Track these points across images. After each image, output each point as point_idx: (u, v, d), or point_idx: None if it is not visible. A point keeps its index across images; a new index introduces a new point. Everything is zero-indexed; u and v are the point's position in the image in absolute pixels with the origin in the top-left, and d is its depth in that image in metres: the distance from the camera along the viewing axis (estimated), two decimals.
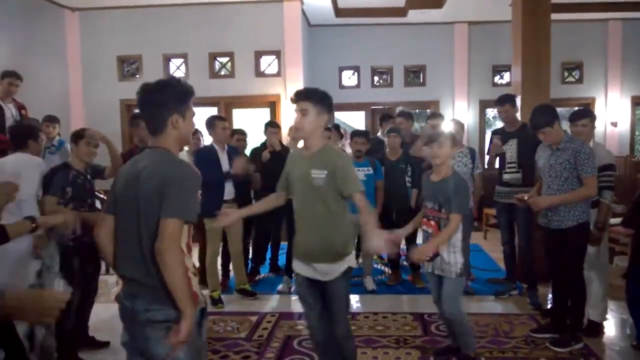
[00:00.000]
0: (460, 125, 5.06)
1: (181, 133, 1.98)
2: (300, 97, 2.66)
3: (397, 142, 4.96)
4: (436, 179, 3.18)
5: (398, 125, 5.39)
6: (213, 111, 7.97)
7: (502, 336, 3.84)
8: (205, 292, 4.65)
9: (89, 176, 3.57)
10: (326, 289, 2.72)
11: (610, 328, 4.01)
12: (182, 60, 7.82)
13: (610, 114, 8.88)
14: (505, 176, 4.61)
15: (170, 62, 7.85)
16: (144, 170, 1.86)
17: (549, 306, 4.28)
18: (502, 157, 4.65)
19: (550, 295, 4.25)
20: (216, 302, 4.61)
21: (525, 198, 3.70)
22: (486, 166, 5.45)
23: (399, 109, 8.95)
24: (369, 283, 5.01)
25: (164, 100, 1.91)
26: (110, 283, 5.21)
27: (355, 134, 5.09)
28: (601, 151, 3.78)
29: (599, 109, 8.85)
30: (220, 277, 4.96)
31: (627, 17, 8.57)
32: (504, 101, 4.60)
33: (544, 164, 3.63)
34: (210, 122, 4.74)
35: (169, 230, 1.75)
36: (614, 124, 8.87)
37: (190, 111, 2.01)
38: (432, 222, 3.16)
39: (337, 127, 5.64)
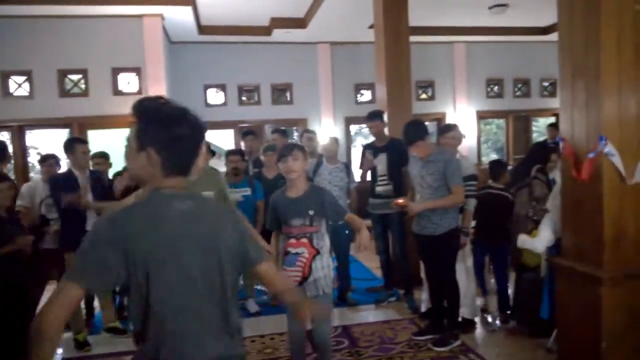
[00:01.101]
0: (336, 141, 5.16)
1: None
2: None
3: (274, 160, 4.90)
4: (295, 194, 2.92)
5: (273, 142, 5.37)
6: (65, 133, 7.23)
7: (387, 343, 3.93)
8: (68, 335, 4.14)
9: None
10: None
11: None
12: (24, 77, 6.96)
13: (460, 128, 9.76)
14: (378, 188, 4.78)
15: (10, 80, 6.94)
16: None
17: (423, 309, 4.49)
18: (374, 170, 4.82)
19: (423, 297, 4.48)
20: (82, 345, 4.09)
21: (401, 202, 3.86)
22: (358, 179, 5.61)
23: (267, 126, 8.97)
24: (252, 306, 4.84)
25: None
26: None
27: (230, 152, 4.99)
28: (465, 163, 4.18)
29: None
30: (84, 317, 4.45)
31: (469, 40, 9.58)
32: (374, 117, 4.79)
33: (415, 175, 3.82)
34: (69, 146, 4.24)
35: None
36: (464, 137, 9.77)
37: None
38: (303, 240, 2.89)
39: (206, 144, 5.42)
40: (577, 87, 2.40)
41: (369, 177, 4.90)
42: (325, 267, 2.92)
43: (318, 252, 2.89)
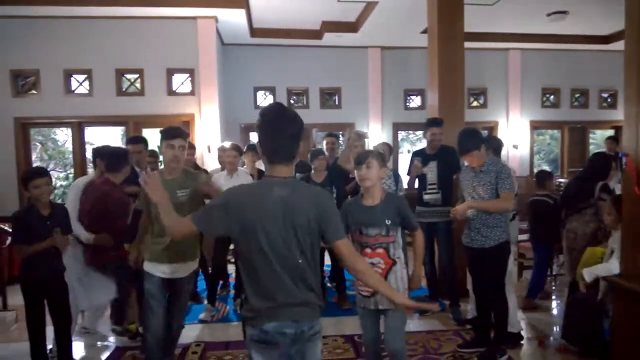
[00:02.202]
0: (388, 147, 5.12)
1: None
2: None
3: (323, 165, 4.93)
4: (371, 203, 2.85)
5: (331, 145, 5.50)
6: (120, 131, 7.50)
7: (431, 353, 3.87)
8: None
9: None
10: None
11: (525, 337, 4.18)
12: (85, 76, 7.27)
13: (512, 137, 9.54)
14: (426, 196, 4.71)
15: (72, 78, 7.26)
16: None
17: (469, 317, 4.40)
18: (423, 178, 4.74)
19: (469, 308, 4.39)
20: (135, 335, 4.25)
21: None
22: (405, 186, 5.54)
23: (314, 130, 9.02)
24: None
25: None
26: (9, 320, 4.78)
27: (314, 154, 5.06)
28: None
29: (501, 132, 9.49)
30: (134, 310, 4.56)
31: (524, 47, 9.33)
32: (437, 124, 4.69)
33: (467, 185, 3.74)
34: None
35: None
36: (515, 147, 9.53)
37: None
38: (379, 250, 2.80)
39: (253, 147, 5.51)
40: None
41: (416, 185, 4.83)
42: (399, 280, 2.80)
43: (394, 263, 2.79)
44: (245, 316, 2.00)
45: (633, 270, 2.43)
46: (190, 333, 4.43)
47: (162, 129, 3.27)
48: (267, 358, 1.95)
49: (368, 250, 2.81)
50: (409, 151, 14.81)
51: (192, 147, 5.32)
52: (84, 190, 3.97)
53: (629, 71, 2.43)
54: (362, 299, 2.86)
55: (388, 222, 2.78)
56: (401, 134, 13.52)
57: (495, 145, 4.40)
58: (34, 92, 7.06)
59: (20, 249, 3.28)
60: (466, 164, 3.75)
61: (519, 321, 4.27)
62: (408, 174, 4.93)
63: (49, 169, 11.51)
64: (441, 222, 4.55)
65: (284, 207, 1.89)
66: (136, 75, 7.38)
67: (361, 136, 4.74)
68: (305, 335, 1.97)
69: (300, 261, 1.92)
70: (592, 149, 10.92)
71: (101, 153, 4.09)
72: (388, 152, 5.07)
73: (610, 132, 9.12)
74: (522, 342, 4.07)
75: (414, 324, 4.57)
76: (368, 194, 2.86)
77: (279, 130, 1.91)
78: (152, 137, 7.45)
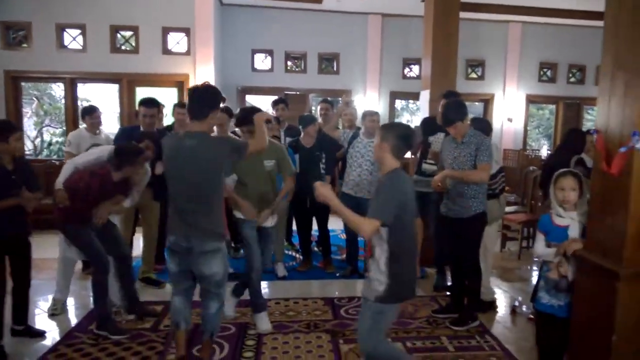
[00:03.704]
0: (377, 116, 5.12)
1: None
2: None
3: (314, 130, 4.94)
4: None
5: (325, 111, 5.56)
6: (114, 88, 7.49)
7: (406, 317, 3.98)
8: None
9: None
10: None
11: (501, 305, 4.34)
12: (78, 31, 7.21)
13: (507, 110, 9.54)
14: (425, 166, 4.71)
15: (65, 33, 7.21)
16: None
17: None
18: (425, 147, 4.73)
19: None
20: (157, 282, 4.61)
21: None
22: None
23: (311, 95, 9.00)
24: (280, 269, 4.99)
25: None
26: None
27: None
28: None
29: (497, 105, 9.48)
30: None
31: (525, 20, 9.21)
32: (453, 96, 4.59)
33: (447, 155, 3.80)
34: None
35: None
36: (510, 120, 9.54)
37: None
38: None
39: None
40: (617, 78, 2.30)
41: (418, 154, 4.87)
42: (377, 274, 2.48)
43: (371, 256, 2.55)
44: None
45: (595, 243, 2.51)
46: None
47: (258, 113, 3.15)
48: (173, 261, 2.85)
49: None
50: (408, 121, 14.77)
51: (184, 107, 5.29)
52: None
53: (606, 47, 2.45)
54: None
55: None
56: (401, 103, 13.52)
57: (484, 126, 4.36)
58: (25, 45, 7.02)
59: None
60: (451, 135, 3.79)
61: (493, 289, 4.43)
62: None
63: (44, 125, 11.41)
64: (433, 193, 4.58)
65: (191, 152, 2.65)
66: (131, 33, 7.33)
67: (349, 104, 4.76)
68: (195, 250, 2.73)
69: (198, 194, 2.70)
70: (589, 125, 10.94)
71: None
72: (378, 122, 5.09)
73: None
74: (496, 309, 4.21)
75: None
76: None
77: (190, 96, 2.76)
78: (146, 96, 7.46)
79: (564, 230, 2.73)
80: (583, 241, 2.60)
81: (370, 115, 4.91)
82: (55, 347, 3.39)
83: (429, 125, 4.80)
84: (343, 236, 5.73)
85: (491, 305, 4.21)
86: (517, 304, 4.35)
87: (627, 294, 2.30)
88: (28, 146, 10.43)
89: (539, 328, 2.96)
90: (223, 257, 2.84)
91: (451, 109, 3.68)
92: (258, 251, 3.68)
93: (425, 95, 5.43)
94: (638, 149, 2.20)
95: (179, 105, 5.14)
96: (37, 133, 11.31)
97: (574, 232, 2.70)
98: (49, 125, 11.57)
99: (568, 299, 2.67)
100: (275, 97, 5.99)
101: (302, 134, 5.00)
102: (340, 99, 9.15)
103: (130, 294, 3.86)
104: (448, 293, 4.43)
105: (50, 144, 11.15)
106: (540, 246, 2.83)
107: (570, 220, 2.73)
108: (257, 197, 3.66)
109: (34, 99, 11.46)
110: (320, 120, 5.44)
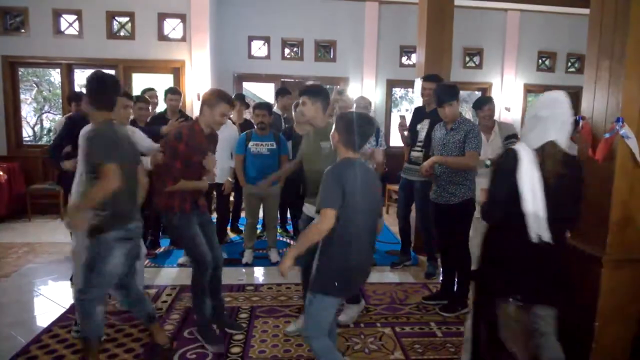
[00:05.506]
0: (367, 102, 5.12)
1: None
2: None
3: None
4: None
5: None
6: (110, 74, 7.47)
7: (397, 303, 4.03)
8: None
9: None
10: None
11: None
12: (74, 16, 7.18)
13: (505, 100, 9.51)
14: (413, 153, 4.72)
15: (61, 18, 7.17)
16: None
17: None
18: (415, 135, 4.74)
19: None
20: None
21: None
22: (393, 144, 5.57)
23: (308, 83, 8.96)
24: (274, 255, 5.02)
25: None
26: None
27: (257, 106, 4.97)
28: (508, 125, 4.89)
29: (494, 94, 9.44)
30: None
31: (524, 8, 9.13)
32: (430, 79, 4.64)
33: (437, 142, 3.81)
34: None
35: None
36: (508, 109, 9.50)
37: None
38: None
39: (241, 97, 5.53)
40: (601, 66, 2.31)
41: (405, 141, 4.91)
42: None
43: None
44: (111, 223, 2.65)
45: (581, 231, 2.52)
46: (169, 275, 4.62)
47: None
48: (125, 250, 2.74)
49: None
50: (407, 110, 14.74)
51: (176, 93, 5.33)
52: None
53: (591, 36, 2.45)
54: None
55: None
56: (400, 92, 13.45)
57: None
58: (22, 30, 7.00)
59: None
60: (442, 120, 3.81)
61: None
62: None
63: (43, 111, 11.39)
64: (417, 182, 4.61)
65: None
66: (127, 19, 7.29)
67: (342, 93, 4.75)
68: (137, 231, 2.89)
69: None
70: None
71: None
72: (369, 106, 5.09)
73: None
74: None
75: (386, 277, 4.74)
76: None
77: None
78: (142, 82, 7.46)
79: None
80: None
81: (362, 100, 4.93)
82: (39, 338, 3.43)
83: (418, 114, 4.82)
84: None
85: None
86: None
87: (609, 280, 2.32)
88: (28, 132, 10.44)
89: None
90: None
91: (443, 90, 3.73)
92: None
93: (419, 83, 5.41)
94: (622, 135, 2.21)
95: (171, 91, 5.15)
96: (37, 119, 11.31)
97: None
98: (49, 112, 11.57)
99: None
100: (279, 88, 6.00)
101: (295, 122, 5.02)
102: (336, 86, 9.13)
103: (215, 302, 3.41)
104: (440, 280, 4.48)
105: (49, 130, 11.15)
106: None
107: None
108: (314, 179, 3.18)
109: (34, 85, 11.43)
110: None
